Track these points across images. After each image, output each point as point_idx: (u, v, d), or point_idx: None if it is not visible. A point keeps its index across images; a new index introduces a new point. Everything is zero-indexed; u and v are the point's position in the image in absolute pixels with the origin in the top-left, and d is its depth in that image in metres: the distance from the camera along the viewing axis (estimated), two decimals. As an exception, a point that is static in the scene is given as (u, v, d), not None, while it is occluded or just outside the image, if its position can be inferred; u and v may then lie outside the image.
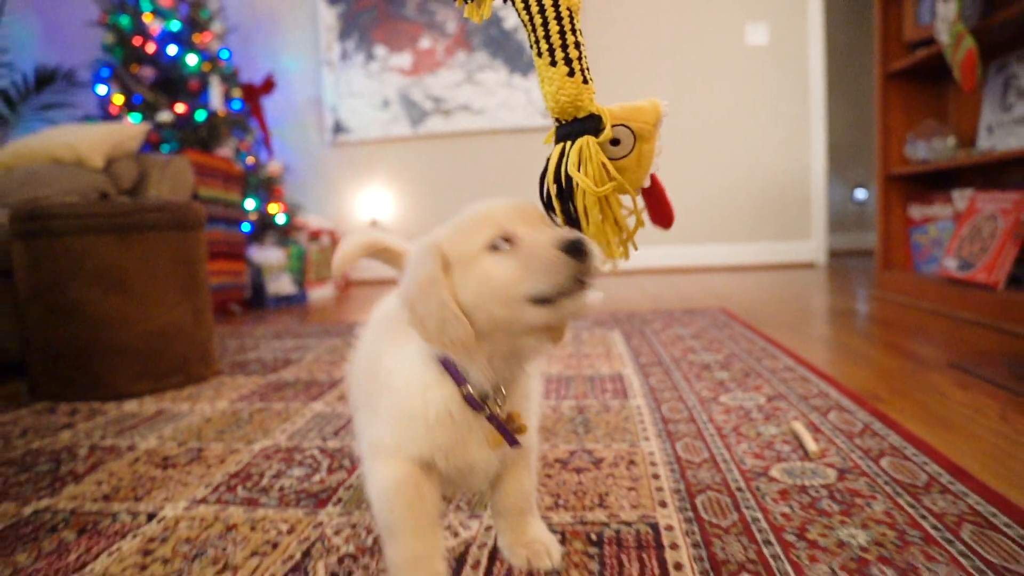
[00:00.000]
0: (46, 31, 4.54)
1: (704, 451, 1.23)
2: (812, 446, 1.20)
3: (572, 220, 0.78)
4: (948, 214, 2.79)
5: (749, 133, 4.69)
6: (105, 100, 4.10)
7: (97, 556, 0.95)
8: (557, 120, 0.81)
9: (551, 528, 0.95)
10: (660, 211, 0.85)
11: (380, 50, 4.87)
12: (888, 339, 2.17)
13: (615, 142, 0.79)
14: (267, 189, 4.30)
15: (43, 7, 4.46)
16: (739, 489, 1.06)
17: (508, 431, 0.78)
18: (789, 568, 0.82)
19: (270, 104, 4.82)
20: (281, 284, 4.04)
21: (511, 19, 4.68)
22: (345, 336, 2.64)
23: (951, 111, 2.93)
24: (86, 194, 2.54)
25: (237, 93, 4.32)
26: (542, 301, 0.68)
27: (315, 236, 4.54)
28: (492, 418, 0.77)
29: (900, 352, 1.98)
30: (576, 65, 0.79)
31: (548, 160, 0.80)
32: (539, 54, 0.80)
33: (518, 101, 4.72)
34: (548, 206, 0.81)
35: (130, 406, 1.74)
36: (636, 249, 0.82)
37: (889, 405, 1.48)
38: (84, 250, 1.78)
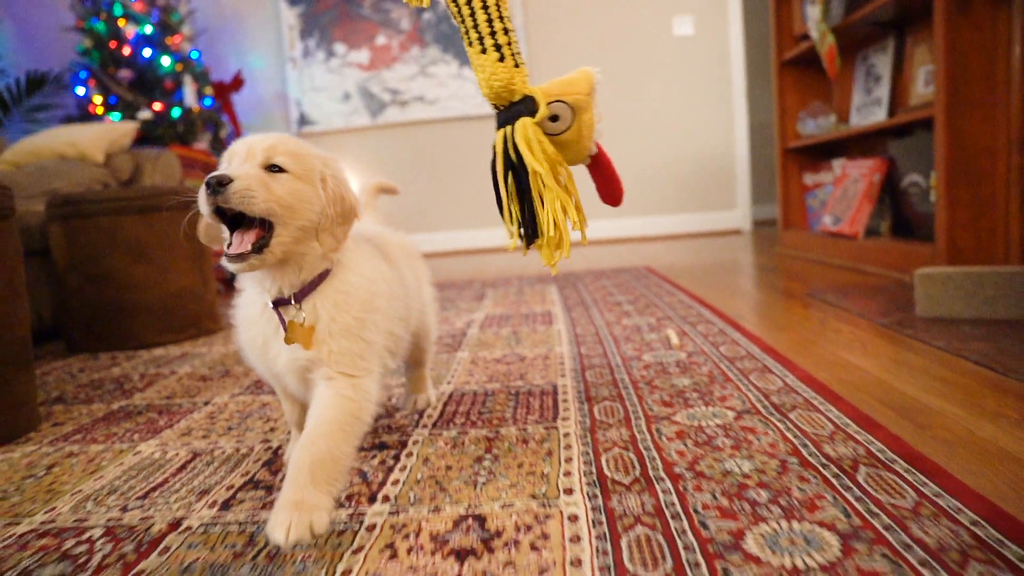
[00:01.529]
0: (21, 36, 4.83)
1: (600, 350, 1.71)
2: (675, 340, 1.69)
3: (530, 201, 0.85)
4: (830, 180, 3.33)
5: (679, 115, 5.19)
6: (85, 101, 4.43)
7: (179, 420, 1.39)
8: (495, 107, 0.85)
9: (481, 389, 1.42)
10: (609, 187, 0.91)
11: (340, 47, 5.26)
12: (770, 281, 2.68)
13: (554, 119, 0.82)
14: (241, 179, 4.68)
15: (16, 14, 4.75)
16: (617, 366, 1.54)
17: (283, 323, 0.92)
18: (636, 399, 1.30)
19: (240, 100, 5.18)
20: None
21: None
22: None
23: (834, 94, 3.46)
24: (92, 185, 2.93)
25: (209, 91, 4.68)
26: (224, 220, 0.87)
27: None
28: (282, 320, 0.93)
29: (774, 289, 2.49)
30: (506, 51, 0.82)
31: (494, 148, 0.85)
32: (470, 43, 0.84)
33: (468, 91, 5.16)
34: (499, 190, 0.88)
35: (158, 352, 2.17)
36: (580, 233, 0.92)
37: (746, 320, 1.98)
38: (114, 228, 2.19)
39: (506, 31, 0.83)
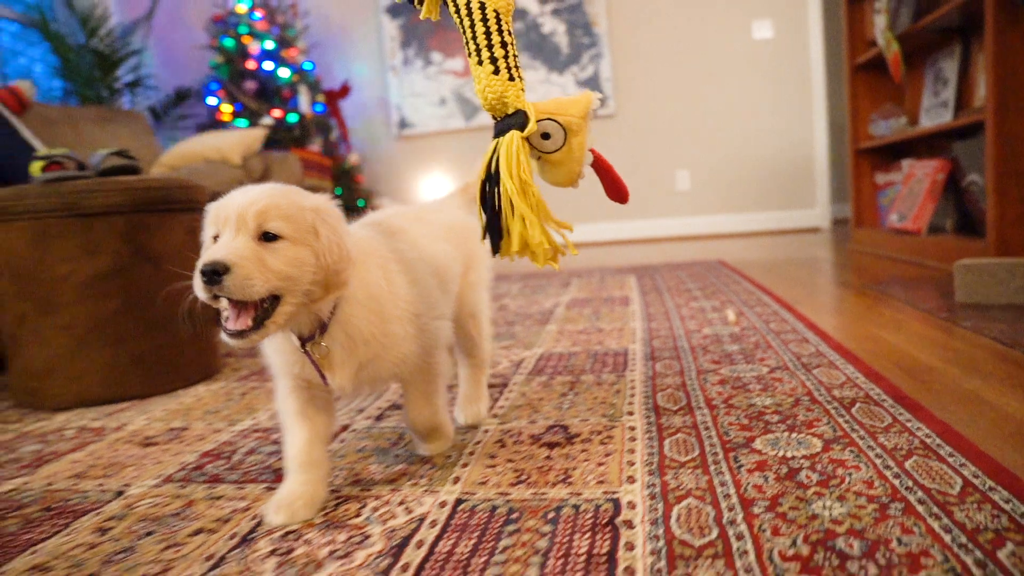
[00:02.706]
0: (165, 56, 5.46)
1: (667, 325, 2.01)
2: (732, 318, 1.98)
3: (495, 214, 0.87)
4: (899, 179, 3.49)
5: (758, 115, 5.36)
6: (214, 110, 5.00)
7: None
8: (493, 118, 0.87)
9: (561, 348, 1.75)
10: (613, 188, 0.95)
11: (436, 56, 5.69)
12: (835, 274, 2.90)
13: (546, 136, 0.83)
14: (349, 177, 5.17)
15: (162, 37, 5.37)
16: (679, 336, 1.84)
17: (316, 366, 0.94)
18: (691, 359, 1.60)
19: (346, 106, 5.68)
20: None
21: (548, 25, 5.44)
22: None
23: (905, 96, 3.61)
24: (232, 184, 3.42)
25: (320, 98, 5.19)
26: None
27: (387, 216, 5.40)
28: (307, 355, 0.94)
29: (835, 280, 2.72)
30: (502, 64, 0.84)
31: (484, 158, 0.86)
32: (469, 54, 0.85)
33: (554, 95, 5.48)
34: (484, 202, 0.90)
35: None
36: (574, 253, 0.94)
37: (801, 305, 2.23)
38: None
39: (504, 44, 0.85)
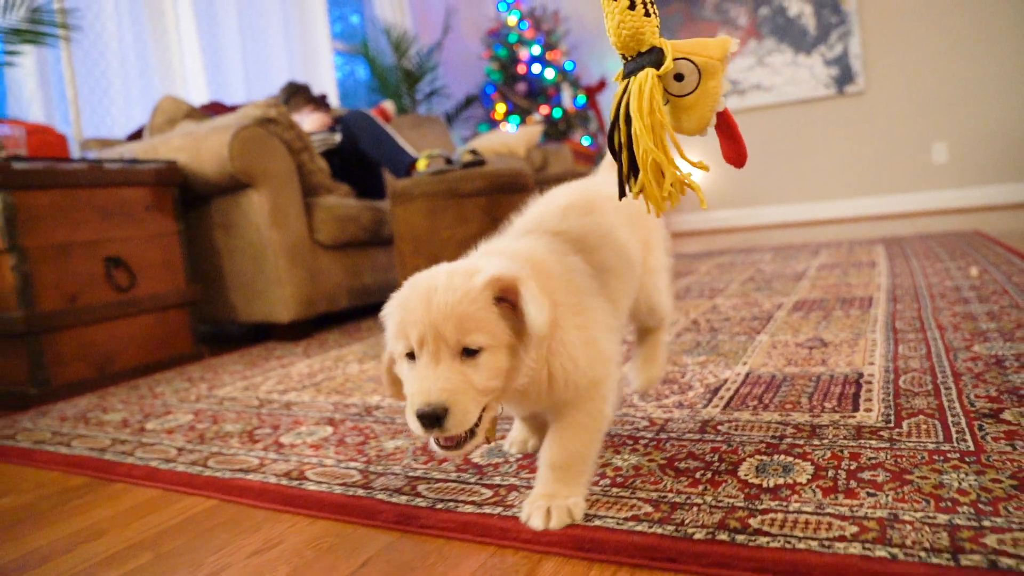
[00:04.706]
0: (452, 68, 6.45)
1: (909, 280, 2.32)
2: (974, 273, 2.24)
3: (632, 161, 0.82)
4: None
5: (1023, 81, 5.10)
6: (489, 110, 5.85)
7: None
8: (623, 57, 0.82)
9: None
10: (733, 148, 0.87)
11: (683, 46, 6.08)
12: (1099, 239, 2.92)
13: (679, 77, 0.77)
14: (605, 164, 5.78)
15: (450, 53, 6.35)
16: (920, 287, 2.16)
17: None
18: (928, 300, 1.94)
19: (603, 99, 6.29)
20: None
21: (794, 8, 5.60)
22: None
23: None
24: (519, 173, 4.14)
25: (580, 93, 5.84)
26: None
27: (637, 198, 5.94)
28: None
29: (1097, 245, 2.77)
30: None
31: (614, 99, 0.82)
32: None
33: (802, 76, 5.64)
34: (612, 148, 0.86)
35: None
36: (701, 203, 0.88)
37: (1050, 265, 2.39)
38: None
39: None
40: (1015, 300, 1.82)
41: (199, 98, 3.90)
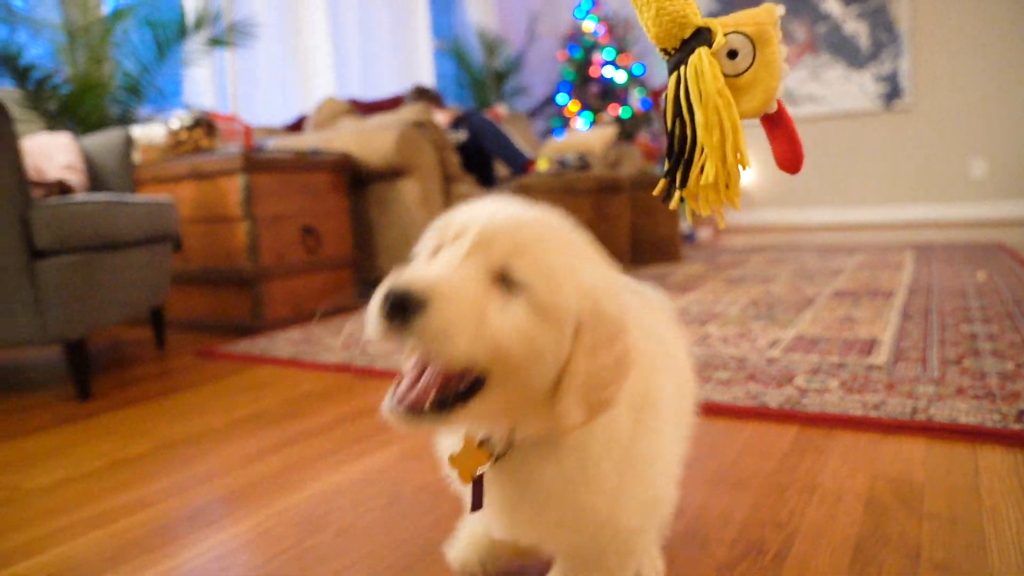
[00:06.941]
0: (532, 71, 7.06)
1: (927, 278, 2.91)
2: (981, 277, 2.83)
3: (687, 161, 0.72)
4: None
5: (1064, 107, 5.55)
6: (562, 108, 6.46)
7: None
8: (664, 51, 0.74)
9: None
10: (789, 149, 0.75)
11: (744, 56, 6.62)
12: (1097, 255, 3.46)
13: (732, 55, 0.71)
14: (665, 162, 6.37)
15: (531, 56, 6.96)
16: (934, 284, 2.75)
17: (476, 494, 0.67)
18: (938, 296, 2.54)
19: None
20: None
21: (850, 26, 6.10)
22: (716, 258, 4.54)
23: None
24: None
25: (646, 94, 6.42)
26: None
27: (692, 194, 6.54)
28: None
29: (1092, 260, 3.31)
30: None
31: (664, 98, 0.75)
32: None
33: (853, 91, 6.15)
34: (671, 147, 0.75)
35: (664, 268, 3.84)
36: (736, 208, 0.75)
37: (1045, 274, 2.96)
38: (629, 198, 3.91)
39: None
40: (1006, 299, 2.42)
41: (326, 92, 4.59)
